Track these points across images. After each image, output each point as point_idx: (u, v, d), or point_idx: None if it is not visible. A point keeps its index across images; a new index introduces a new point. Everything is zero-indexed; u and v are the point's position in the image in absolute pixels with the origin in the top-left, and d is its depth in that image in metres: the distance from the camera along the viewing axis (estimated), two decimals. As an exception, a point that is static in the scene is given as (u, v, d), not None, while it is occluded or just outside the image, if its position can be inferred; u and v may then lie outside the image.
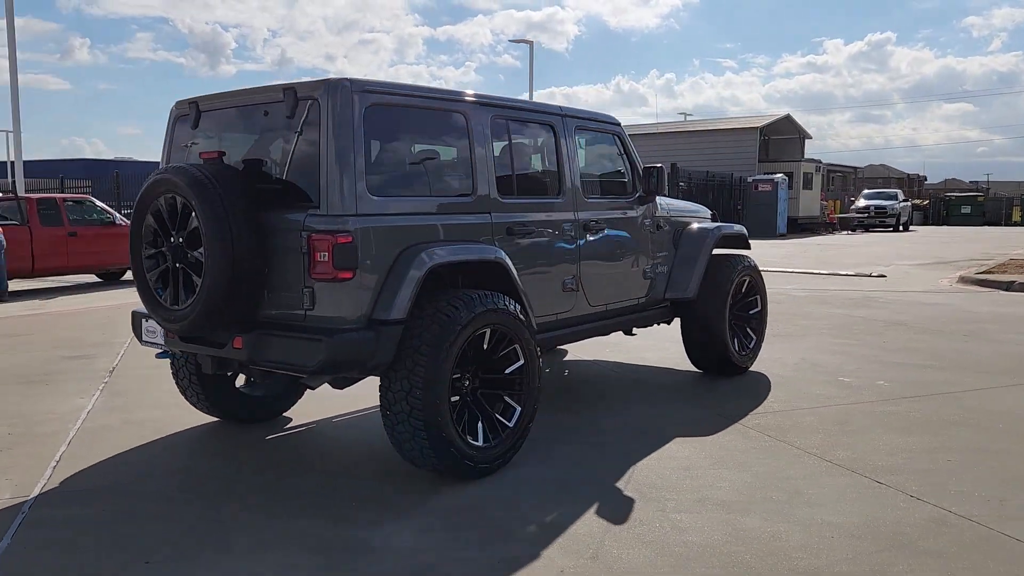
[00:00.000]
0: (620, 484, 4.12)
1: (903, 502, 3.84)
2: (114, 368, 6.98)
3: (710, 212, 6.99)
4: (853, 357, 7.16)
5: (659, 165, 5.70)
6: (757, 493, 3.98)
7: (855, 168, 49.42)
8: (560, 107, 5.19)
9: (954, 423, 5.11)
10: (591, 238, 5.24)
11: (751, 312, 6.72)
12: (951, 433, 4.91)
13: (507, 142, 4.83)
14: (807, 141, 38.47)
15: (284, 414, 5.44)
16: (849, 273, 14.68)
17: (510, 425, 4.37)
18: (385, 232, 3.98)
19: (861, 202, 38.03)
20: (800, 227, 32.20)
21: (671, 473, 4.27)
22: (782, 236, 29.24)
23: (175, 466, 4.54)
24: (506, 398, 4.41)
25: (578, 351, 7.51)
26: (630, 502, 3.88)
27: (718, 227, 6.45)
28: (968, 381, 6.22)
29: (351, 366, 3.91)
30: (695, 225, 6.37)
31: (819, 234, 32.12)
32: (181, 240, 4.00)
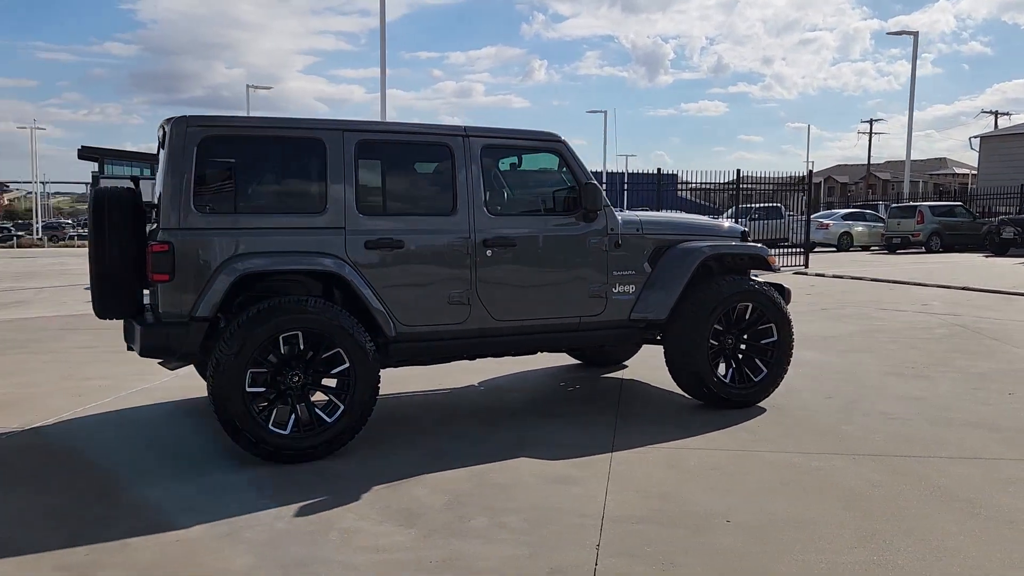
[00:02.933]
0: (355, 490, 4.33)
1: (552, 551, 3.56)
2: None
3: (740, 230, 6.37)
4: (922, 406, 5.98)
5: (592, 182, 5.52)
6: (447, 516, 3.96)
7: None
8: (465, 127, 5.38)
9: (827, 491, 4.26)
10: (493, 253, 5.34)
11: (764, 342, 6.04)
12: (793, 497, 4.17)
13: (378, 164, 5.23)
14: None
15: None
16: None
17: (328, 421, 4.83)
18: (205, 244, 4.72)
19: None
20: None
21: (418, 486, 4.39)
22: None
23: (119, 425, 5.74)
24: (332, 397, 4.88)
25: (635, 370, 7.33)
26: (311, 507, 4.12)
27: (709, 246, 5.94)
28: (988, 449, 4.96)
29: (165, 352, 4.78)
30: (684, 244, 5.95)
31: None
32: (97, 244, 5.19)
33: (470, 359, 5.64)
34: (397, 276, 5.13)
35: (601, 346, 6.06)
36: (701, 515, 3.94)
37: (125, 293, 5.05)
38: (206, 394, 4.96)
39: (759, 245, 6.29)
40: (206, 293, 4.68)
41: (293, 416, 4.80)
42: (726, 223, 6.61)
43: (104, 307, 5.09)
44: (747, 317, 5.99)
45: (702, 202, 29.65)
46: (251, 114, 20.87)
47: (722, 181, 20.32)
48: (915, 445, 5.04)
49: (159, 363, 5.16)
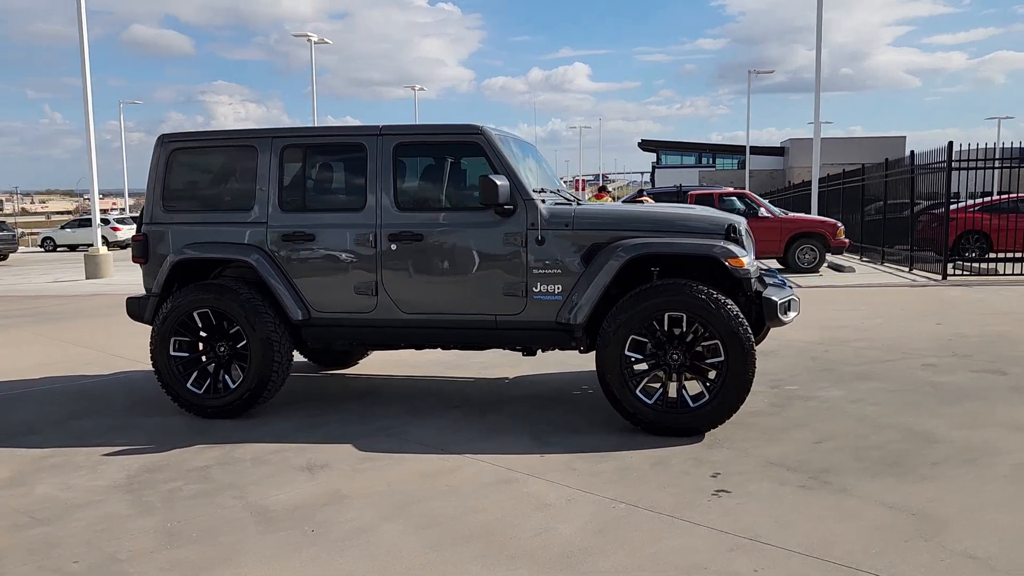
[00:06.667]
0: (182, 441, 5.15)
1: (145, 516, 3.94)
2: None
3: (725, 225, 5.24)
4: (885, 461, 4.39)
5: (488, 176, 5.20)
6: (171, 474, 4.53)
7: None
8: (381, 127, 5.60)
9: (472, 527, 3.70)
10: (398, 247, 5.52)
11: (709, 361, 5.04)
12: (410, 521, 3.73)
13: (299, 165, 5.78)
14: None
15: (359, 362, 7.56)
16: None
17: (231, 387, 5.71)
18: (166, 235, 5.94)
19: None
20: None
21: (219, 451, 4.99)
22: None
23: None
24: (238, 367, 5.73)
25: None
26: (126, 451, 5.05)
27: (637, 244, 5.14)
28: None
29: (138, 317, 6.12)
30: (621, 242, 5.24)
31: None
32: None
33: (385, 348, 5.90)
34: (309, 266, 5.70)
35: (531, 347, 5.67)
36: (317, 521, 3.90)
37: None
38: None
39: (719, 244, 5.12)
40: (158, 275, 5.91)
41: (209, 381, 5.79)
42: (712, 215, 5.46)
43: None
44: (684, 328, 5.07)
45: None
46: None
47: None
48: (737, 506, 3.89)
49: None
